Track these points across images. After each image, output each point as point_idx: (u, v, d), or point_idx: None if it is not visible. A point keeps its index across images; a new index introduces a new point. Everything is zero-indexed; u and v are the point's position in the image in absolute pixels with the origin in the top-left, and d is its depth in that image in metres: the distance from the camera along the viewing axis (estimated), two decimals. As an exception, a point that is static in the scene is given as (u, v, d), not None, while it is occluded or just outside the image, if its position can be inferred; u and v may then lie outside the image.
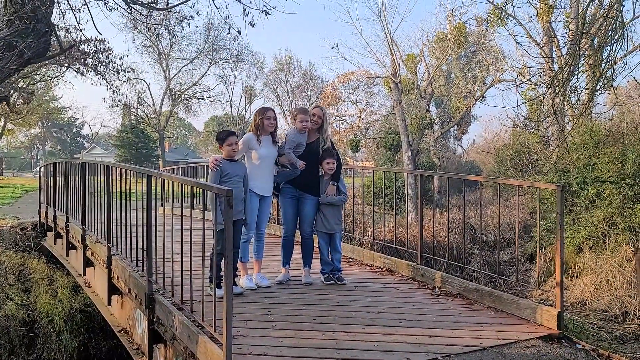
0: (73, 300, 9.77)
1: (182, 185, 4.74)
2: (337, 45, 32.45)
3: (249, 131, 5.28)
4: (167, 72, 45.68)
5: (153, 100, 47.67)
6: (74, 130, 72.32)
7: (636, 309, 12.26)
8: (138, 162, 42.49)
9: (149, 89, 54.91)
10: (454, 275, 5.50)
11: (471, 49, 25.11)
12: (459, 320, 4.40)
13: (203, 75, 47.83)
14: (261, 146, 5.17)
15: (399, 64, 23.98)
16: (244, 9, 7.74)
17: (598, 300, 13.09)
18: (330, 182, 5.36)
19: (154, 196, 4.33)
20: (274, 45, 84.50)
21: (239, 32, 7.91)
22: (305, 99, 49.67)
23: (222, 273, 4.32)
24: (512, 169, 20.88)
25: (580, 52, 8.31)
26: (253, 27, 7.62)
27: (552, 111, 10.00)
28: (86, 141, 72.54)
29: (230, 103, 51.95)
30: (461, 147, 38.17)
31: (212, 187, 3.48)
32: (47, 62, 5.60)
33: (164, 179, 4.25)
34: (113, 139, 53.19)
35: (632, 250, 12.43)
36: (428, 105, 26.52)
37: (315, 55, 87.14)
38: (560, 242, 4.28)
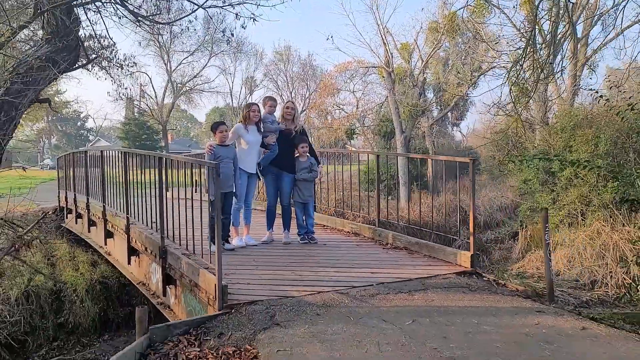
0: (93, 273, 11.16)
1: (184, 171, 6.06)
2: (331, 37, 33.57)
3: (238, 122, 6.62)
4: (168, 65, 46.85)
5: (155, 92, 48.88)
6: (79, 123, 73.74)
7: (603, 277, 13.60)
8: (142, 154, 43.72)
9: (151, 82, 56.33)
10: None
11: (468, 35, 25.88)
12: (398, 263, 5.77)
13: (203, 67, 49.01)
14: (248, 133, 6.52)
15: (391, 54, 24.96)
16: (236, 14, 9.12)
17: (570, 270, 14.42)
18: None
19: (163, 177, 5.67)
20: (273, 35, 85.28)
21: (232, 34, 9.23)
22: (304, 88, 50.73)
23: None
24: (499, 152, 22.09)
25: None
26: (244, 29, 9.01)
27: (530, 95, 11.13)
28: (90, 134, 73.94)
29: (231, 94, 53.09)
30: (460, 132, 38.95)
31: (204, 163, 4.82)
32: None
33: (171, 159, 5.59)
34: (117, 132, 54.55)
35: (602, 225, 13.72)
36: (420, 93, 27.54)
37: (313, 46, 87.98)
38: (473, 203, 5.63)
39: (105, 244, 8.39)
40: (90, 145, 64.47)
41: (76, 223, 10.90)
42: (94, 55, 6.35)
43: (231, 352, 3.69)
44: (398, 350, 3.57)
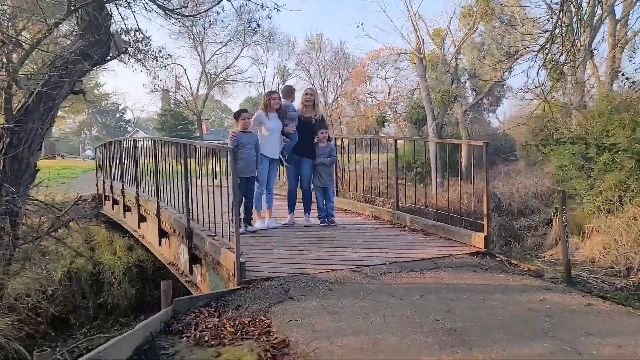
0: (129, 257, 11.73)
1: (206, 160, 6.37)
2: (362, 24, 33.45)
3: (259, 110, 6.89)
4: (202, 56, 47.71)
5: (190, 84, 49.88)
6: (117, 115, 75.84)
7: (640, 264, 13.39)
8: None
9: (186, 74, 57.55)
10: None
11: (503, 18, 25.30)
12: (414, 245, 5.96)
13: (236, 58, 49.69)
14: (269, 120, 6.78)
15: (423, 40, 24.72)
16: (261, 5, 9.40)
17: (605, 257, 14.24)
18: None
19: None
20: (304, 24, 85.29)
21: (258, 25, 9.54)
22: (336, 76, 50.79)
23: (241, 216, 6.09)
24: (535, 138, 21.72)
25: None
26: (270, 19, 9.36)
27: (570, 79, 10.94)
28: (129, 125, 75.96)
29: (263, 84, 53.60)
30: (497, 119, 38.06)
31: (223, 148, 5.10)
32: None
33: (194, 145, 5.91)
34: (154, 123, 55.93)
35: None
36: (453, 79, 27.23)
37: (345, 33, 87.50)
38: (487, 185, 5.74)
39: (139, 228, 8.85)
40: (129, 137, 66.43)
41: (113, 209, 11.45)
42: (124, 49, 6.67)
43: (247, 322, 3.98)
44: (402, 322, 3.78)
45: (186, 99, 50.05)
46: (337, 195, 8.69)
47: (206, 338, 3.80)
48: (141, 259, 11.80)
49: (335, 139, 8.07)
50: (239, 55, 48.94)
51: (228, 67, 49.85)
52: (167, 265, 7.26)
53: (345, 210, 8.29)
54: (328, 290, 4.51)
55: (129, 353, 3.62)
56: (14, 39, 5.21)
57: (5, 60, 5.00)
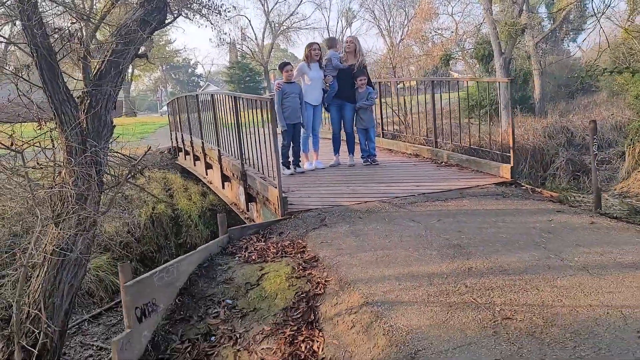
0: (203, 202, 12.99)
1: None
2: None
3: (302, 60, 7.49)
4: (265, 6, 48.03)
5: (255, 34, 50.57)
6: (189, 70, 78.54)
7: None
8: (247, 95, 46.15)
9: (251, 24, 58.19)
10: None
11: None
12: (445, 178, 6.47)
13: (299, 4, 49.68)
14: (311, 71, 7.37)
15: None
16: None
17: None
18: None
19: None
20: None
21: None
22: (402, 15, 49.51)
23: (290, 159, 6.91)
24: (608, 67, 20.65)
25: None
26: None
27: None
28: (200, 80, 78.57)
29: (328, 29, 53.26)
30: (580, 48, 35.54)
31: (263, 99, 5.78)
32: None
33: (241, 97, 6.64)
34: (223, 76, 57.62)
35: None
36: (520, 9, 26.00)
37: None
38: (512, 119, 6.07)
39: (207, 174, 9.90)
40: (201, 91, 68.90)
41: (185, 159, 12.65)
42: (188, 4, 7.51)
43: (287, 244, 4.78)
44: (415, 240, 4.42)
45: (252, 50, 50.98)
46: (398, 139, 9.20)
47: (253, 257, 4.65)
48: (213, 203, 13.01)
49: (379, 83, 8.50)
50: (301, 1, 48.89)
51: (291, 15, 49.95)
52: (230, 205, 8.24)
53: (390, 150, 8.84)
54: (358, 218, 5.20)
55: (193, 268, 4.55)
56: (85, 16, 6.08)
57: (80, 34, 5.89)
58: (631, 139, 15.38)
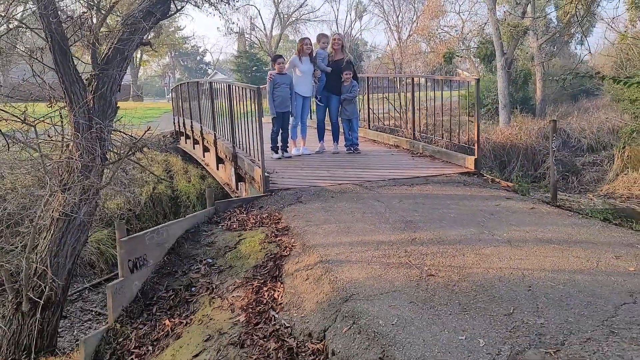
0: (202, 184, 13.66)
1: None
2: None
3: (294, 54, 8.11)
4: (275, -4, 48.49)
5: (264, 25, 51.05)
6: (197, 58, 79.09)
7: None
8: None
9: (260, 15, 58.62)
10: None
11: None
12: (416, 167, 7.10)
13: (309, -4, 49.88)
14: (302, 64, 8.00)
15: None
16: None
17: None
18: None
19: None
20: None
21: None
22: (411, 12, 49.88)
23: (279, 145, 7.57)
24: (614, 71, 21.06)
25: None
26: None
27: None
28: (208, 68, 79.15)
29: (336, 22, 53.78)
30: (588, 50, 35.68)
31: (250, 87, 6.41)
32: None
33: (236, 85, 7.27)
34: (231, 65, 58.18)
35: None
36: (524, 11, 26.35)
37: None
38: (477, 116, 6.69)
39: (204, 157, 10.57)
40: (209, 79, 69.42)
41: (186, 143, 13.32)
42: (180, 5, 8.08)
43: (265, 216, 5.43)
44: (375, 216, 5.06)
45: (260, 40, 51.52)
46: (397, 134, 9.82)
47: (235, 226, 5.32)
48: (211, 185, 13.68)
49: (368, 77, 9.13)
50: (311, -8, 49.24)
51: (300, 6, 50.44)
52: (223, 186, 8.91)
53: (374, 141, 9.47)
54: (330, 197, 5.85)
55: (181, 232, 5.22)
56: (94, 6, 6.72)
57: (90, 22, 6.53)
58: (623, 143, 15.92)
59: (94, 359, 4.18)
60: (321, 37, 8.34)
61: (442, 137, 8.18)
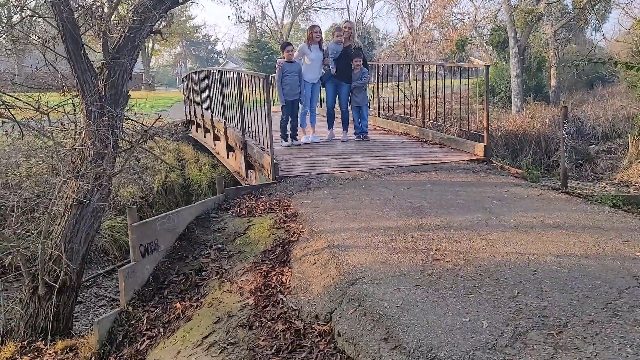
0: (213, 173, 13.76)
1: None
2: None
3: (304, 42, 8.12)
4: (286, -17, 48.22)
5: (275, 13, 50.88)
6: (209, 47, 79.11)
7: None
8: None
9: (271, 3, 58.47)
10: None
11: None
12: (425, 154, 7.11)
13: (320, -17, 49.59)
14: (311, 52, 8.00)
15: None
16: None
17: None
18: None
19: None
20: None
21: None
22: (424, -1, 49.44)
23: (288, 132, 7.62)
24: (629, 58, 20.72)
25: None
26: None
27: None
28: (220, 57, 79.14)
29: (348, 10, 53.45)
30: (604, 37, 35.10)
31: (259, 75, 6.44)
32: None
33: (244, 74, 7.31)
34: (242, 54, 58.14)
35: None
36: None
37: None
38: (487, 103, 6.66)
39: (215, 145, 10.65)
40: (220, 68, 69.36)
41: (197, 131, 13.42)
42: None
43: (274, 203, 5.49)
44: (382, 202, 5.10)
45: (271, 28, 51.36)
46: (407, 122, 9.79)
47: (244, 212, 5.39)
48: (222, 174, 13.79)
49: (378, 65, 9.11)
50: (322, -20, 48.97)
51: (311, -7, 50.13)
52: (233, 174, 8.98)
53: (384, 128, 9.47)
54: (339, 184, 5.89)
55: (191, 218, 5.30)
56: (105, -5, 6.78)
57: (101, 11, 6.60)
58: (638, 130, 15.73)
59: (107, 340, 4.29)
60: (337, 30, 8.29)
61: (452, 125, 8.15)
